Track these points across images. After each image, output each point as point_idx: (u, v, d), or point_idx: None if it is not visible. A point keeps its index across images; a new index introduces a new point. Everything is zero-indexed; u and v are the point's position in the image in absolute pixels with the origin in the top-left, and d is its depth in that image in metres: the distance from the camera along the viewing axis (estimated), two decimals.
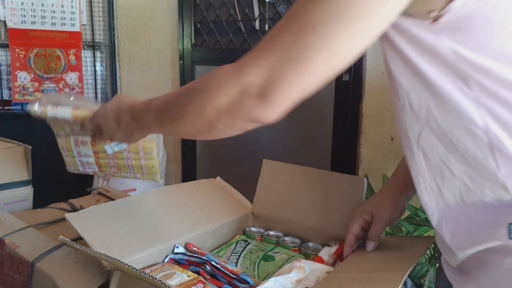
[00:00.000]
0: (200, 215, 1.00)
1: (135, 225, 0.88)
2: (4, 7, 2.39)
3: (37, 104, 0.84)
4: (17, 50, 2.43)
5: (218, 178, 1.20)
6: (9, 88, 2.50)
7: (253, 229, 1.08)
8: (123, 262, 0.66)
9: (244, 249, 0.98)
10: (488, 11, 0.47)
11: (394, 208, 0.84)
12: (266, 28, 2.07)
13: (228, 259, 0.93)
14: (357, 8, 0.46)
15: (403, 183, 0.83)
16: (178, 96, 0.62)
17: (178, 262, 0.86)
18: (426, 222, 1.42)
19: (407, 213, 1.66)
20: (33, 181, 1.66)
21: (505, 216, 0.53)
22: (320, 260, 0.88)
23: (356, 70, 1.80)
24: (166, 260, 0.87)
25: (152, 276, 0.62)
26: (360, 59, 1.78)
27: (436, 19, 0.49)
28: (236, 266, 0.91)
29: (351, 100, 1.84)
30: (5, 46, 2.44)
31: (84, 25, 2.57)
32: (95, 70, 2.65)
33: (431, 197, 0.60)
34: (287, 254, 0.95)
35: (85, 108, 0.84)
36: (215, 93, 0.54)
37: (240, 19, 2.17)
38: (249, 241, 1.03)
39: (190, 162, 2.51)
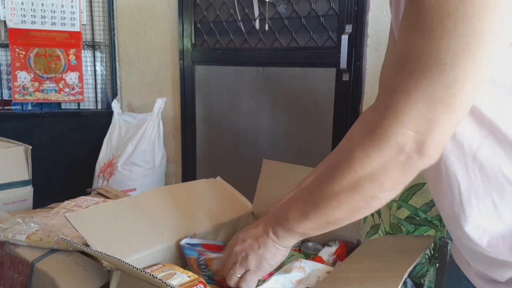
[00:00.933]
0: (200, 215, 1.00)
1: (135, 225, 0.88)
2: (4, 7, 2.39)
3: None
4: (17, 50, 2.43)
5: (218, 178, 1.20)
6: (9, 88, 2.50)
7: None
8: (123, 261, 0.66)
9: None
10: None
11: None
12: (266, 28, 2.07)
13: None
14: (483, 32, 0.42)
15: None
16: (322, 185, 0.57)
17: (192, 246, 0.87)
18: (426, 222, 1.42)
19: (407, 212, 1.67)
20: (33, 181, 1.66)
21: None
22: (320, 260, 0.88)
23: (356, 70, 1.80)
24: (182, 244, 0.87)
25: (153, 275, 0.62)
26: (360, 59, 1.79)
27: None
28: None
29: (351, 100, 1.84)
30: (5, 46, 2.45)
31: (84, 25, 2.57)
32: (95, 70, 2.65)
33: (483, 215, 0.55)
34: None
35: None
36: (362, 164, 0.51)
37: (240, 19, 2.17)
38: None
39: (190, 162, 2.51)
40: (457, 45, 0.43)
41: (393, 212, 1.63)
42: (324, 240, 0.99)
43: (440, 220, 1.43)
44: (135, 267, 0.64)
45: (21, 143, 1.68)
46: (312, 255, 0.94)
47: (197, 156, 2.49)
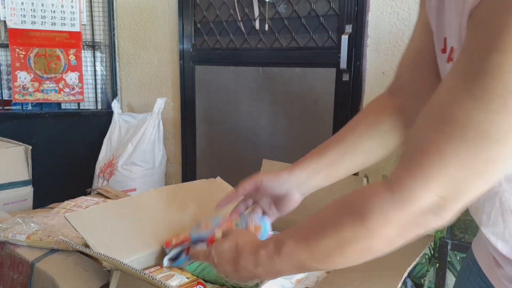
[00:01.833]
0: (200, 215, 1.00)
1: (135, 225, 0.88)
2: (4, 7, 2.39)
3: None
4: (17, 50, 2.43)
5: (218, 178, 1.20)
6: (9, 88, 2.50)
7: None
8: (122, 263, 0.66)
9: None
10: None
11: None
12: (266, 28, 2.07)
13: None
14: None
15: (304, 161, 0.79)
16: (328, 231, 0.53)
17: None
18: None
19: None
20: (33, 181, 1.66)
21: None
22: None
23: (356, 70, 1.80)
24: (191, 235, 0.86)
25: (152, 276, 0.62)
26: (360, 59, 1.79)
27: None
28: None
29: (351, 100, 1.84)
30: (5, 46, 2.45)
31: (84, 25, 2.57)
32: (95, 70, 2.65)
33: (508, 222, 0.54)
34: None
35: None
36: (380, 226, 0.48)
37: (240, 19, 2.17)
38: None
39: (190, 162, 2.51)
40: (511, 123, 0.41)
41: None
42: None
43: None
44: (134, 268, 0.64)
45: (21, 143, 1.68)
46: None
47: (197, 156, 2.49)
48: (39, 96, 2.51)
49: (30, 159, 1.65)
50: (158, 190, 1.03)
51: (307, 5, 1.95)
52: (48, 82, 2.51)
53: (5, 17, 2.40)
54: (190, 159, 2.51)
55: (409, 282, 1.34)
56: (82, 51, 2.56)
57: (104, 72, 2.69)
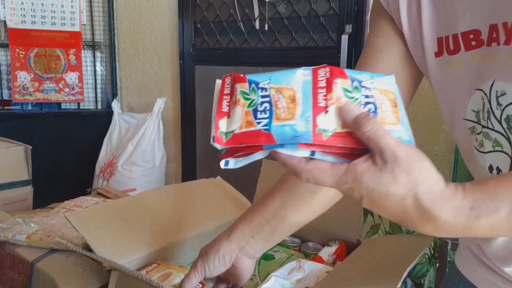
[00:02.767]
0: (200, 215, 1.00)
1: (135, 224, 0.88)
2: (4, 7, 2.39)
3: None
4: (17, 50, 2.43)
5: (218, 178, 1.20)
6: (9, 88, 2.50)
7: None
8: (118, 264, 0.66)
9: None
10: None
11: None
12: (266, 28, 2.07)
13: None
14: None
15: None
16: None
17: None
18: None
19: None
20: (33, 181, 1.66)
21: None
22: (320, 260, 0.88)
23: None
24: None
25: (149, 278, 0.62)
26: None
27: None
28: None
29: None
30: (5, 46, 2.45)
31: (84, 25, 2.57)
32: (95, 70, 2.65)
33: None
34: (286, 253, 0.96)
35: None
36: None
37: (240, 19, 2.17)
38: None
39: (190, 162, 2.52)
40: None
41: None
42: (324, 240, 0.99)
43: None
44: (130, 269, 0.64)
45: (21, 143, 1.68)
46: (312, 255, 0.95)
47: (197, 156, 2.49)
48: (39, 96, 2.51)
49: (30, 159, 1.65)
50: (158, 190, 1.03)
51: (307, 5, 1.95)
52: (48, 82, 2.51)
53: (5, 17, 2.40)
54: (190, 159, 2.51)
55: (409, 282, 1.34)
56: (82, 51, 2.56)
57: (104, 72, 2.69)
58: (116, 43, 2.65)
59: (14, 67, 2.43)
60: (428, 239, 0.90)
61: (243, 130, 0.42)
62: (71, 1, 2.50)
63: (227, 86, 0.43)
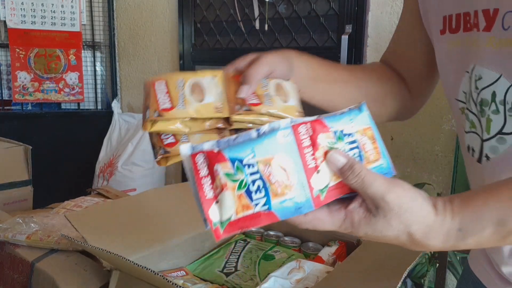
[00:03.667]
0: (200, 214, 1.00)
1: (135, 225, 0.88)
2: (4, 7, 2.39)
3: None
4: (17, 50, 2.43)
5: None
6: (9, 88, 2.50)
7: (253, 228, 1.08)
8: (124, 258, 0.66)
9: (243, 249, 0.98)
10: None
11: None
12: (266, 28, 2.07)
13: (228, 259, 0.93)
14: None
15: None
16: None
17: None
18: None
19: None
20: (33, 181, 1.66)
21: None
22: (320, 260, 0.88)
23: None
24: None
25: (152, 270, 0.62)
26: (360, 59, 1.79)
27: None
28: (236, 266, 0.91)
29: None
30: (5, 46, 2.45)
31: (84, 25, 2.57)
32: (95, 70, 2.65)
33: None
34: (287, 253, 0.96)
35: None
36: None
37: (240, 19, 2.17)
38: (248, 240, 1.03)
39: None
40: None
41: None
42: (324, 240, 0.99)
43: None
44: (136, 264, 0.64)
45: (21, 143, 1.68)
46: (312, 255, 0.94)
47: None
48: (39, 96, 2.51)
49: (30, 159, 1.65)
50: (158, 190, 1.04)
51: (307, 5, 1.95)
52: (48, 82, 2.51)
53: (5, 17, 2.40)
54: None
55: (409, 282, 1.34)
56: (82, 51, 2.56)
57: (104, 72, 2.70)
58: (116, 43, 2.65)
59: (14, 67, 2.43)
60: None
61: (240, 215, 0.39)
62: (71, 1, 2.50)
63: (202, 166, 0.40)
